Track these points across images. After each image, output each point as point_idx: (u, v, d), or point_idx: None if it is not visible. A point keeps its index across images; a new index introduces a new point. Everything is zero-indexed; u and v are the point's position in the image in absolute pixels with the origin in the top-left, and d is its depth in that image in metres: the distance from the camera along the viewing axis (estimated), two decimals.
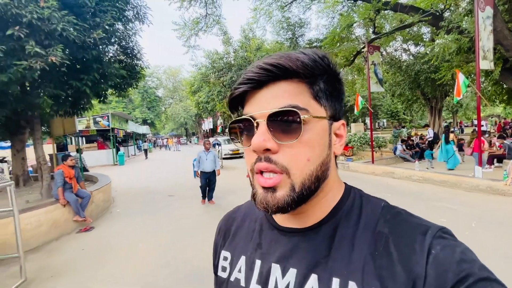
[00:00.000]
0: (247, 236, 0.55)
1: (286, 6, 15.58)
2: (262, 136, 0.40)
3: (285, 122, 0.40)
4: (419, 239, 0.39)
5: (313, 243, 0.45)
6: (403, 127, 23.98)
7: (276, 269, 0.47)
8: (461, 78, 6.58)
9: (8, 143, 8.99)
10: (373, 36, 12.55)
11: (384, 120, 42.29)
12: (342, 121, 0.48)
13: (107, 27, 4.33)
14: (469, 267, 0.35)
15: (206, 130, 36.96)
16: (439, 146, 8.78)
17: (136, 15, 5.77)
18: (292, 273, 0.45)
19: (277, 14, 17.28)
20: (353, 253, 0.42)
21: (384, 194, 5.82)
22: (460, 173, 6.78)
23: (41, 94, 4.29)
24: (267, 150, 0.40)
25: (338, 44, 13.17)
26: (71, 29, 3.71)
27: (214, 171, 5.79)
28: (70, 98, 5.21)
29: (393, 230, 0.41)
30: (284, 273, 0.46)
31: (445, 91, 15.93)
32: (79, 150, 9.20)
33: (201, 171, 5.70)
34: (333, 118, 0.45)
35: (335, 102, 0.45)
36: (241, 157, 15.08)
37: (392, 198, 5.04)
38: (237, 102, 0.46)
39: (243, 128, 0.45)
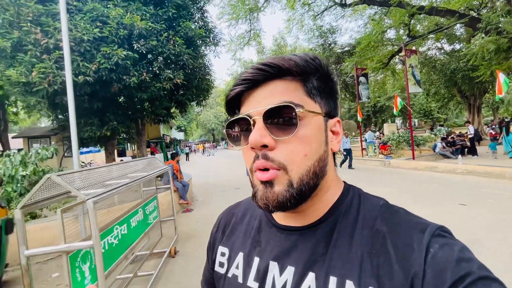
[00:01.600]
0: (246, 232, 0.56)
1: (318, 15, 16.57)
2: (258, 132, 0.40)
3: (280, 118, 0.41)
4: (417, 238, 0.39)
5: (311, 241, 0.45)
6: (442, 125, 23.66)
7: (273, 266, 0.47)
8: (501, 77, 7.13)
9: (97, 148, 10.95)
10: (407, 39, 13.09)
11: (416, 120, 41.21)
12: (338, 118, 0.48)
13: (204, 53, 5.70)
14: (468, 266, 0.35)
15: None
16: (501, 138, 9.51)
17: (213, 40, 7.16)
18: (289, 271, 0.45)
19: (308, 23, 18.33)
20: (350, 252, 0.42)
21: (430, 184, 6.56)
22: (505, 164, 7.28)
23: (159, 106, 5.75)
24: (265, 146, 0.41)
25: (373, 48, 13.85)
26: (189, 58, 5.08)
27: None
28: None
29: (391, 229, 0.42)
30: (281, 271, 0.46)
31: (483, 88, 15.82)
32: (180, 150, 10.81)
33: None
34: (328, 115, 0.46)
35: (329, 100, 0.47)
36: None
37: (438, 188, 5.88)
38: (234, 105, 0.47)
39: (240, 128, 0.46)
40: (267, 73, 0.42)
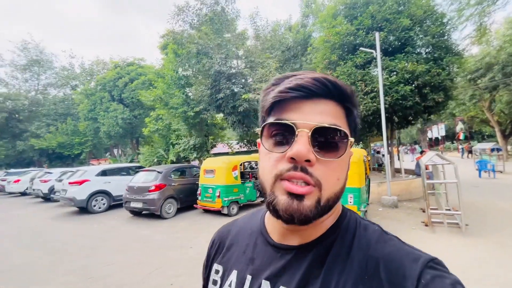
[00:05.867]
0: (241, 250, 0.56)
1: None
2: (306, 146, 0.40)
3: (329, 139, 0.42)
4: (409, 267, 0.39)
5: (305, 261, 0.46)
6: None
7: (266, 286, 0.47)
8: None
9: None
10: None
11: None
12: (352, 151, 0.49)
13: None
14: None
15: (432, 138, 34.19)
16: None
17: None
18: None
19: None
20: (343, 275, 0.42)
21: None
22: None
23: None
24: (306, 161, 0.41)
25: None
26: (447, 81, 7.23)
27: None
28: None
29: (384, 255, 0.42)
30: None
31: None
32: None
33: None
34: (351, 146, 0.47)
35: (356, 132, 0.49)
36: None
37: None
38: (271, 105, 0.45)
39: (276, 133, 0.44)
40: (329, 91, 0.42)
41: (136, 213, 8.02)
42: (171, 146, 14.31)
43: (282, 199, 0.42)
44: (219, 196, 7.05)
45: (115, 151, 27.07)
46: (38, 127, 24.26)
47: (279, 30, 16.15)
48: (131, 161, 18.97)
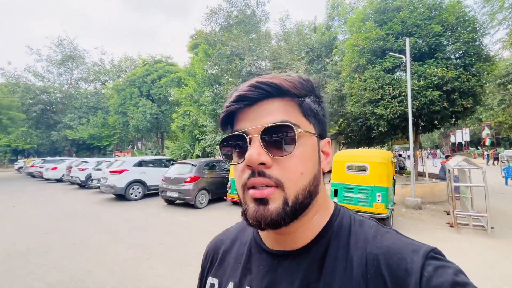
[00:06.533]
0: (236, 260, 0.55)
1: None
2: (256, 150, 0.41)
3: (279, 137, 0.42)
4: (410, 260, 0.39)
5: (303, 266, 0.45)
6: None
7: None
8: None
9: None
10: None
11: None
12: (328, 139, 0.50)
13: None
14: None
15: (455, 142, 33.12)
16: None
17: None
18: None
19: None
20: (344, 276, 0.42)
21: None
22: None
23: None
24: (261, 164, 0.41)
25: None
26: (477, 87, 7.33)
27: None
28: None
29: (384, 251, 0.42)
30: None
31: None
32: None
33: None
34: (320, 136, 0.48)
35: (321, 121, 0.48)
36: None
37: None
38: (227, 121, 0.48)
39: (234, 145, 0.46)
40: (265, 92, 0.43)
41: (170, 201, 8.70)
42: (196, 141, 15.02)
43: (250, 207, 0.42)
44: None
45: (139, 143, 28.42)
46: (71, 119, 25.94)
47: (303, 30, 16.43)
48: (156, 154, 19.97)
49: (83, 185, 13.48)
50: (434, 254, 0.40)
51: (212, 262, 0.60)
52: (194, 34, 15.73)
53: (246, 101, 0.44)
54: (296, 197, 0.42)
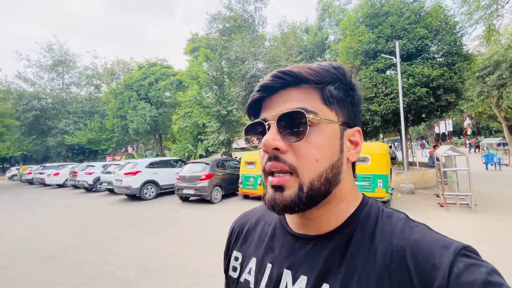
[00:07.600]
0: (260, 238, 0.57)
1: None
2: (271, 135, 0.43)
3: (292, 123, 0.43)
4: (440, 255, 0.37)
5: (325, 251, 0.45)
6: None
7: (287, 274, 0.47)
8: None
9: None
10: None
11: None
12: (357, 128, 0.49)
13: None
14: None
15: (439, 133, 34.92)
16: None
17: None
18: (302, 280, 0.45)
19: None
20: (367, 265, 0.41)
21: None
22: None
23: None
24: (277, 149, 0.43)
25: None
26: (459, 83, 8.27)
27: None
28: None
29: (411, 244, 0.40)
30: (294, 280, 0.46)
31: None
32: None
33: None
34: (347, 124, 0.47)
35: (348, 109, 0.47)
36: None
37: None
38: (254, 110, 0.50)
39: (257, 132, 0.48)
40: (285, 80, 0.44)
41: (185, 199, 9.30)
42: (199, 142, 15.57)
43: (269, 192, 0.45)
44: (260, 184, 8.28)
45: (134, 146, 28.56)
46: (66, 124, 25.83)
47: (295, 31, 17.18)
48: (156, 156, 20.34)
49: (90, 188, 13.81)
50: (466, 252, 0.37)
51: (238, 237, 0.63)
52: (191, 38, 16.17)
53: (268, 90, 0.46)
54: (311, 184, 0.43)
